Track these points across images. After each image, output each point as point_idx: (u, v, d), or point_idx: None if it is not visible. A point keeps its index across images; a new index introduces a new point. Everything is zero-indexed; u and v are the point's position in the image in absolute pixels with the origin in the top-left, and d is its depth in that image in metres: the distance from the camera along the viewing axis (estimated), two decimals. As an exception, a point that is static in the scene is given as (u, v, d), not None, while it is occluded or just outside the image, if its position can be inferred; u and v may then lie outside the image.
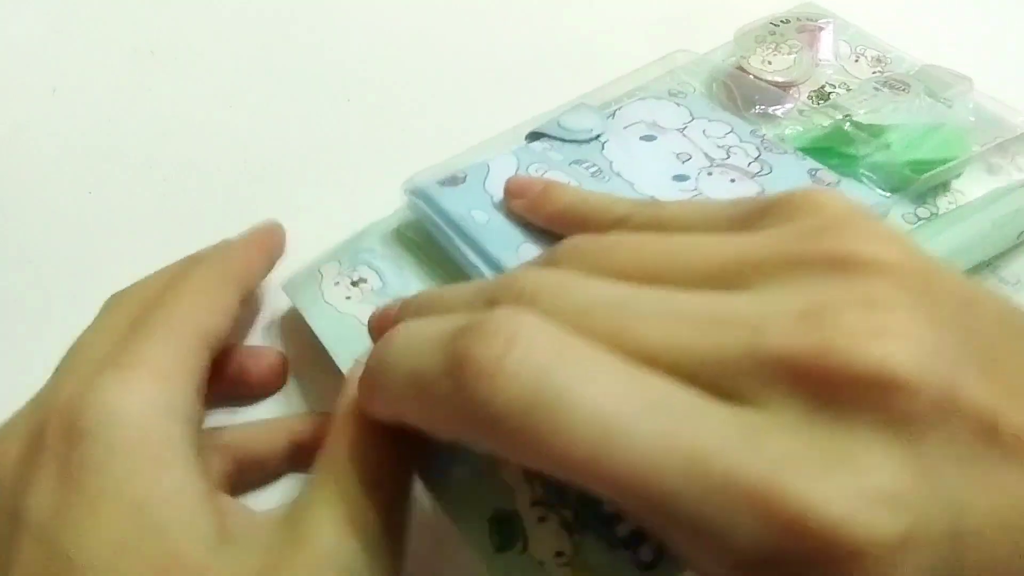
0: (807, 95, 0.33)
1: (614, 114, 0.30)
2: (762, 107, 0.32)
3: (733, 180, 0.27)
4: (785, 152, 0.28)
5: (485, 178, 0.27)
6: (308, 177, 0.35)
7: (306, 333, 0.26)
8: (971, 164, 0.29)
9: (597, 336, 0.15)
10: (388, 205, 0.28)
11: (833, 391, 0.13)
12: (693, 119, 0.29)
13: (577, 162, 0.28)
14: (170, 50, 0.40)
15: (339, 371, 0.24)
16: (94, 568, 0.17)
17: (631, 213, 0.21)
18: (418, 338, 0.17)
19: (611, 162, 0.28)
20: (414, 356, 0.17)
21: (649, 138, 0.29)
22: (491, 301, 0.17)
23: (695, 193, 0.27)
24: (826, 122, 0.31)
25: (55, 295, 0.30)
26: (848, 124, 0.30)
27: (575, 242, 0.19)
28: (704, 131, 0.29)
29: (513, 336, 0.15)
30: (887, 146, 0.30)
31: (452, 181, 0.27)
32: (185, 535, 0.18)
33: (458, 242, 0.26)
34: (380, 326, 0.22)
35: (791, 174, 0.27)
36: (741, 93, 0.33)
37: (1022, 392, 0.14)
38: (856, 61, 0.35)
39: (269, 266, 0.28)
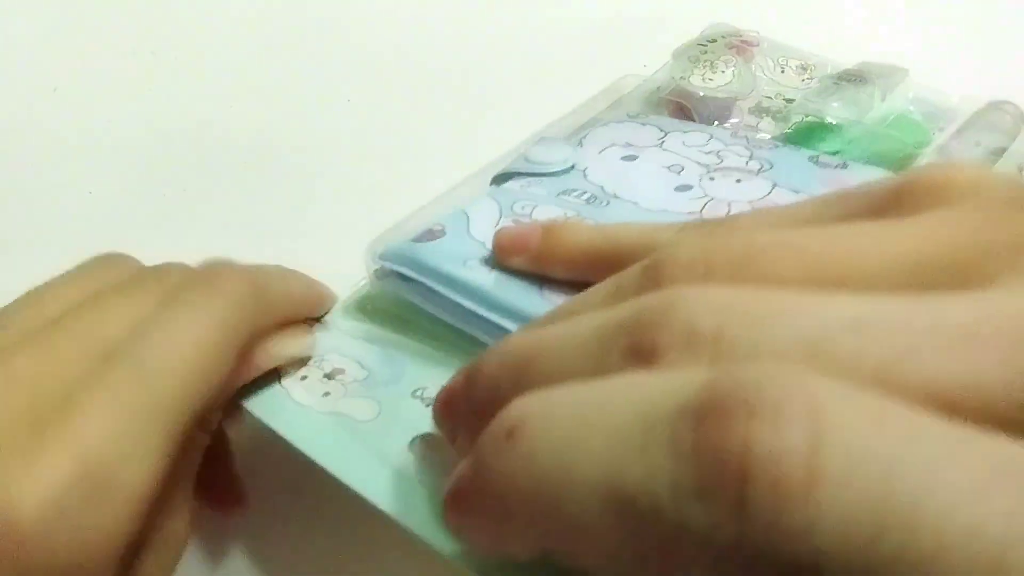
0: (747, 110, 0.32)
1: (581, 142, 0.27)
2: (716, 123, 0.31)
3: (739, 180, 0.24)
4: (776, 146, 0.26)
5: (467, 226, 0.23)
6: (313, 176, 0.34)
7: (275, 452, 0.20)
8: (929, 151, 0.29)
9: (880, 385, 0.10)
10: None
11: None
12: (666, 133, 0.27)
13: (565, 192, 0.24)
14: (171, 50, 0.40)
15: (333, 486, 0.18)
16: None
17: (684, 233, 0.17)
18: (596, 416, 0.11)
19: (601, 186, 0.24)
20: (601, 455, 0.10)
21: (630, 157, 0.26)
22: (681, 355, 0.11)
23: (706, 200, 0.23)
24: (785, 128, 0.30)
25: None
26: (809, 121, 0.29)
27: (679, 254, 0.14)
28: (683, 142, 0.26)
29: (812, 410, 0.09)
30: (851, 141, 0.29)
31: (429, 236, 0.23)
32: None
33: (458, 299, 0.21)
34: (451, 408, 0.16)
35: (795, 164, 0.25)
36: (693, 109, 0.31)
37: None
38: (783, 72, 0.34)
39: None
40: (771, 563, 0.09)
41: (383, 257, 0.23)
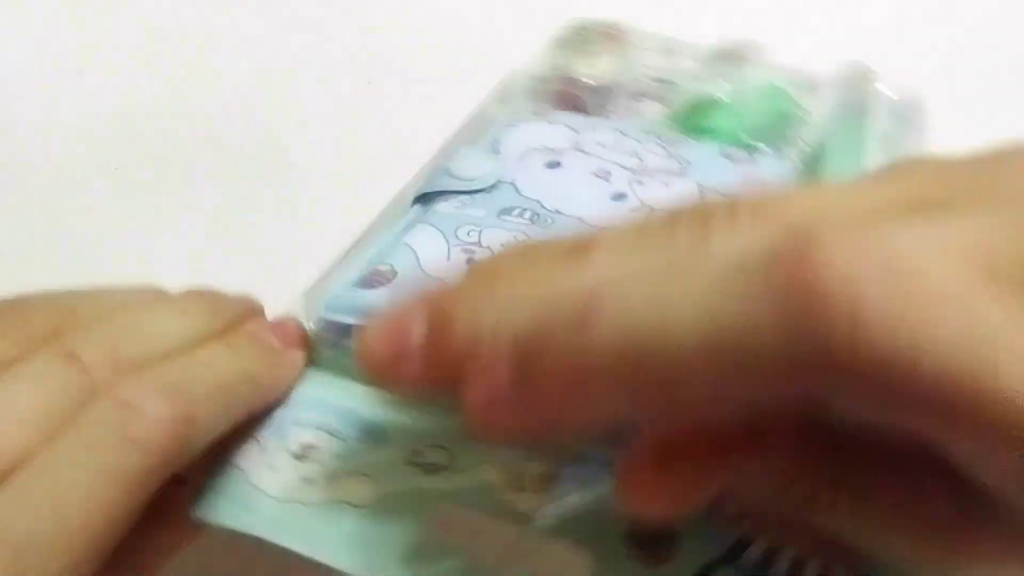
0: (625, 95, 0.33)
1: (497, 149, 0.26)
2: (604, 110, 0.31)
3: (667, 184, 0.24)
4: (683, 140, 0.27)
5: (417, 262, 0.21)
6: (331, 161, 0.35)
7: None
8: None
9: None
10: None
11: None
12: (579, 132, 0.26)
13: (505, 211, 0.23)
14: (196, 33, 0.40)
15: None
16: None
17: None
18: (675, 274, 0.12)
19: (539, 201, 0.24)
20: (695, 302, 0.12)
21: (554, 164, 0.25)
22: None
23: (643, 208, 0.24)
24: (672, 109, 0.30)
25: (85, 269, 0.26)
26: (696, 98, 0.30)
27: None
28: (599, 143, 0.26)
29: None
30: (739, 115, 0.30)
31: (377, 279, 0.21)
32: None
33: None
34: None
35: (710, 160, 0.25)
36: (579, 97, 0.31)
37: None
38: (651, 56, 0.35)
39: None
40: (865, 380, 0.10)
41: (330, 308, 0.20)
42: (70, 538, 0.14)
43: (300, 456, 0.19)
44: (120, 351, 0.17)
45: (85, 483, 0.15)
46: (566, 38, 0.33)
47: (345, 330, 0.20)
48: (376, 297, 0.20)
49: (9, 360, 0.16)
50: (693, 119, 0.30)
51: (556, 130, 0.27)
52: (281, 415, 0.19)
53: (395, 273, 0.21)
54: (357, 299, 0.20)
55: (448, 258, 0.21)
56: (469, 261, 0.21)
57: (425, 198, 0.24)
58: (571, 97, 0.31)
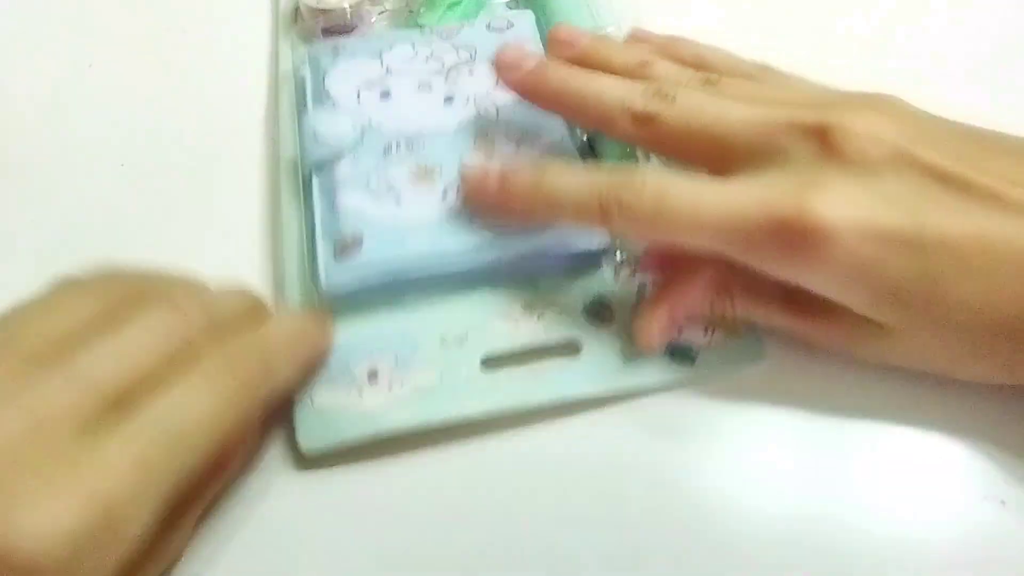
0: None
1: (334, 103, 0.31)
2: (333, 34, 0.36)
3: (471, 72, 0.32)
4: (454, 29, 0.34)
5: (366, 220, 0.28)
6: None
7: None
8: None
9: None
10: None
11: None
12: (381, 58, 0.33)
13: (387, 151, 0.30)
14: (202, 29, 0.40)
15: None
16: None
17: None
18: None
19: (399, 131, 0.31)
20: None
21: (385, 95, 0.32)
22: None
23: (471, 99, 0.31)
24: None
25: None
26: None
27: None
28: (401, 59, 0.33)
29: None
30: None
31: (350, 249, 0.28)
32: None
33: (437, 267, 0.28)
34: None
35: (483, 38, 0.33)
36: (320, 27, 0.36)
37: (967, 158, 0.22)
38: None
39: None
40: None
41: (331, 288, 0.27)
42: (201, 430, 0.20)
43: (372, 378, 0.27)
44: (209, 310, 0.24)
45: (207, 401, 0.21)
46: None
47: (353, 295, 0.28)
48: (357, 260, 0.27)
49: (118, 312, 0.22)
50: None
51: (365, 63, 0.33)
52: (335, 363, 0.27)
53: (359, 237, 0.28)
54: (344, 271, 0.27)
55: (380, 208, 0.29)
56: (397, 202, 0.29)
57: (317, 167, 0.30)
58: (335, 27, 0.36)
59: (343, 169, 0.30)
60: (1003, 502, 0.25)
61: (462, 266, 0.28)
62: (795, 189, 0.23)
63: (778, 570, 0.24)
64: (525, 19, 0.34)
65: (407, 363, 0.28)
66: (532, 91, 0.28)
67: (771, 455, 0.26)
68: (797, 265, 0.23)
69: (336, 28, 0.36)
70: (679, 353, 0.28)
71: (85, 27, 0.41)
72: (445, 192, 0.29)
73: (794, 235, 0.22)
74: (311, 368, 0.27)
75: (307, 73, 0.33)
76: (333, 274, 0.28)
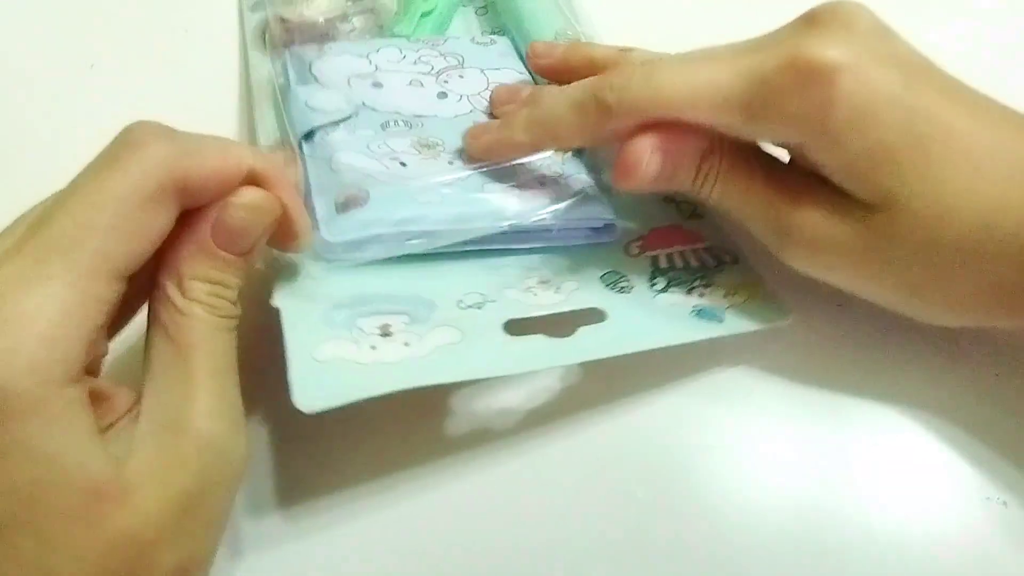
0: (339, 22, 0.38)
1: (325, 84, 0.30)
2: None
3: (461, 76, 0.32)
4: (440, 39, 0.34)
5: (368, 176, 0.26)
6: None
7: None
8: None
9: None
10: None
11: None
12: (368, 58, 0.32)
13: (384, 125, 0.29)
14: (204, 29, 0.40)
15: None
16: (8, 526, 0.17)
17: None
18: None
19: (397, 111, 0.29)
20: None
21: (377, 85, 0.31)
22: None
23: (463, 97, 0.31)
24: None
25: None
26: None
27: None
28: (389, 61, 0.32)
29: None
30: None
31: (354, 202, 0.25)
32: (81, 477, 0.18)
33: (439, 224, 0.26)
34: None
35: (471, 50, 0.34)
36: (301, 39, 0.35)
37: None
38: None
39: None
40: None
41: (342, 239, 0.25)
42: (101, 220, 0.19)
43: (385, 334, 0.24)
44: None
45: (108, 185, 0.19)
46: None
47: (358, 243, 0.25)
48: (361, 213, 0.25)
49: None
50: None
51: (353, 60, 0.32)
52: (338, 318, 0.24)
53: (364, 192, 0.25)
54: (349, 221, 0.25)
55: (386, 168, 0.27)
56: (401, 163, 0.27)
57: (309, 135, 0.28)
58: (317, 37, 0.36)
59: (339, 135, 0.28)
60: (1005, 503, 0.25)
61: (476, 231, 0.26)
62: (796, 41, 0.23)
63: (776, 569, 0.24)
64: (505, 40, 0.36)
65: (424, 320, 0.24)
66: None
67: (771, 451, 0.26)
68: (805, 104, 0.23)
69: (312, 42, 0.35)
70: (706, 313, 0.27)
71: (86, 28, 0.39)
72: (451, 162, 0.28)
73: (801, 73, 0.22)
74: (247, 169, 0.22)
75: (288, 64, 0.32)
76: (335, 227, 0.25)
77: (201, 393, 0.20)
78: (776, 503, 0.25)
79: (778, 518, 0.24)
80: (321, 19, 0.36)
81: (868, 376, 0.27)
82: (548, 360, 0.24)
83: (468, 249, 0.27)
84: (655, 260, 0.28)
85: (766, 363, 0.27)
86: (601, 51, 0.30)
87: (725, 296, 0.27)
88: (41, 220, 0.19)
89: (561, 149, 0.29)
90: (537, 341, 0.25)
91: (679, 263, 0.28)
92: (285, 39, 0.36)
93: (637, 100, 0.24)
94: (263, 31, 0.37)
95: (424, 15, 0.36)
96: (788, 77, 0.23)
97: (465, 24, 0.38)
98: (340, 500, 0.24)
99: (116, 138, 0.20)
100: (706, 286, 0.28)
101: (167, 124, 0.21)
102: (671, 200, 0.31)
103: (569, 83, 0.28)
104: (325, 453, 0.25)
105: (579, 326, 0.25)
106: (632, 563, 0.23)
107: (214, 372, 0.21)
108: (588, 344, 0.25)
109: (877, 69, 0.23)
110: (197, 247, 0.21)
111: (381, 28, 0.37)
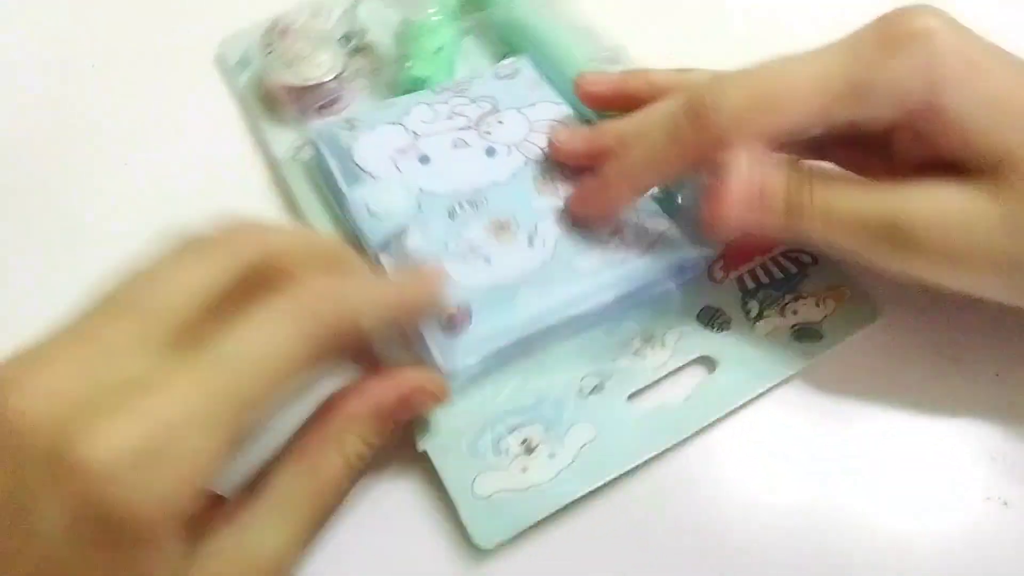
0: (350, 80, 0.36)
1: (373, 175, 0.29)
2: (324, 108, 0.34)
3: (501, 122, 0.31)
4: (466, 83, 0.33)
5: (482, 295, 0.26)
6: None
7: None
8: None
9: None
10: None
11: None
12: (403, 123, 0.31)
13: (451, 214, 0.28)
14: (203, 30, 0.39)
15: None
16: None
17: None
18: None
19: (455, 191, 0.29)
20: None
21: (424, 159, 0.30)
22: None
23: (511, 147, 0.30)
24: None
25: (94, 262, 0.25)
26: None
27: None
28: (423, 122, 0.31)
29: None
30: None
31: (460, 318, 0.26)
32: None
33: None
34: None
35: (498, 87, 0.32)
36: (302, 105, 0.34)
37: None
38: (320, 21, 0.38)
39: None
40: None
41: (459, 370, 0.25)
42: (264, 368, 0.19)
43: (529, 450, 0.25)
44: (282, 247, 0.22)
45: (276, 333, 0.20)
46: (260, 52, 0.35)
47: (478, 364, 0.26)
48: (471, 332, 0.26)
49: (186, 251, 0.21)
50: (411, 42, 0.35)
51: (389, 131, 0.31)
52: (488, 439, 0.25)
53: (466, 306, 0.26)
54: (462, 346, 0.25)
55: (473, 271, 0.27)
56: (487, 262, 0.27)
57: (382, 245, 0.28)
58: (324, 103, 0.34)
59: (414, 240, 0.28)
60: (1005, 503, 0.25)
61: (578, 311, 0.27)
62: (884, 20, 0.23)
63: (777, 568, 0.24)
64: (525, 63, 0.34)
65: (557, 423, 0.26)
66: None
67: (772, 451, 0.26)
68: (911, 65, 0.22)
69: (325, 103, 0.34)
70: (806, 333, 0.28)
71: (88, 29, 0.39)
72: (530, 240, 0.28)
73: (901, 39, 0.23)
74: (410, 316, 0.25)
75: (325, 152, 0.30)
76: (450, 353, 0.25)
77: (297, 543, 0.22)
78: (777, 502, 0.25)
79: (779, 517, 0.25)
80: (330, 80, 0.34)
81: (867, 376, 0.27)
82: (682, 432, 0.26)
83: (571, 329, 0.27)
84: (741, 282, 0.29)
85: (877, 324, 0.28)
86: (661, 75, 0.29)
87: (817, 306, 0.28)
88: (214, 344, 0.19)
89: (664, 186, 0.29)
90: (666, 415, 0.26)
91: (764, 279, 0.29)
92: (298, 106, 0.34)
93: (736, 106, 0.23)
94: (262, 96, 0.35)
95: (436, 52, 0.34)
96: (889, 46, 0.23)
97: (468, 50, 0.36)
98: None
99: (285, 281, 0.21)
100: (796, 299, 0.28)
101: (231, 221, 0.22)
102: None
103: (628, 112, 0.27)
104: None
105: (694, 379, 0.27)
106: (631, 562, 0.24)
107: (318, 524, 0.22)
108: (712, 402, 0.26)
109: (970, 33, 0.23)
110: (376, 413, 0.23)
111: (379, 71, 0.35)
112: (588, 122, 0.31)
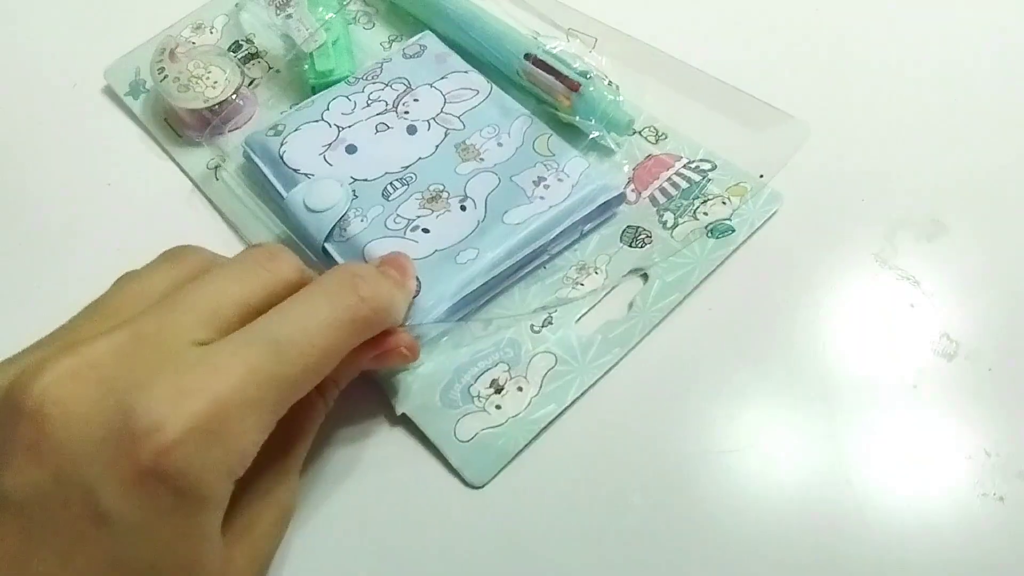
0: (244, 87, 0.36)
1: (306, 173, 0.31)
2: (231, 122, 0.35)
3: (417, 99, 0.33)
4: (374, 69, 0.34)
5: (425, 267, 0.28)
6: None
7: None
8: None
9: None
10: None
11: None
12: (324, 119, 0.32)
13: (385, 194, 0.30)
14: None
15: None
16: None
17: None
18: None
19: (386, 172, 0.31)
20: None
21: (352, 149, 0.32)
22: None
23: (431, 121, 0.32)
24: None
25: (75, 279, 0.29)
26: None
27: None
28: (343, 114, 0.33)
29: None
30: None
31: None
32: (217, 554, 0.21)
33: None
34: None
35: (407, 65, 0.34)
36: (209, 124, 0.35)
37: None
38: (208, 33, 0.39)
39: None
40: None
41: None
42: (312, 344, 0.21)
43: (498, 390, 0.28)
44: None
45: (324, 314, 0.22)
46: (150, 75, 0.35)
47: (431, 326, 0.28)
48: (419, 302, 0.28)
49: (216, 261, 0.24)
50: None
51: (313, 129, 0.32)
52: (452, 393, 0.28)
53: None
54: (414, 317, 0.28)
55: (416, 243, 0.29)
56: (424, 231, 0.29)
57: (326, 238, 0.29)
58: (236, 115, 0.35)
59: (354, 226, 0.29)
60: (1001, 499, 0.25)
61: (517, 259, 0.29)
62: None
63: (773, 564, 0.25)
64: (430, 38, 0.36)
65: (518, 361, 0.28)
66: None
67: (766, 446, 0.27)
68: None
69: (231, 118, 0.35)
70: (719, 229, 0.31)
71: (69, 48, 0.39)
72: (462, 205, 0.30)
73: None
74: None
75: (258, 162, 0.32)
76: (409, 315, 0.27)
77: (295, 473, 0.24)
78: (772, 496, 0.26)
79: (774, 512, 0.25)
80: (231, 95, 0.35)
81: (864, 370, 0.28)
82: (631, 340, 0.29)
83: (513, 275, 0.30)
84: (653, 199, 0.32)
85: (758, 355, 0.29)
86: None
87: (723, 204, 0.31)
88: (264, 328, 0.21)
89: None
90: (614, 328, 0.29)
91: (672, 191, 0.32)
92: (205, 126, 0.35)
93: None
94: (164, 119, 0.36)
95: (333, 44, 0.35)
96: None
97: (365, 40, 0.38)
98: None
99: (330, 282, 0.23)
100: (704, 202, 0.31)
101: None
102: (634, 132, 0.33)
103: None
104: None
105: (632, 292, 0.30)
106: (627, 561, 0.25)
107: (303, 454, 0.25)
108: (651, 308, 0.29)
109: None
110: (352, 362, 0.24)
111: (277, 74, 0.36)
112: (498, 84, 0.34)
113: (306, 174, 0.31)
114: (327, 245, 0.29)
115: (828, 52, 0.37)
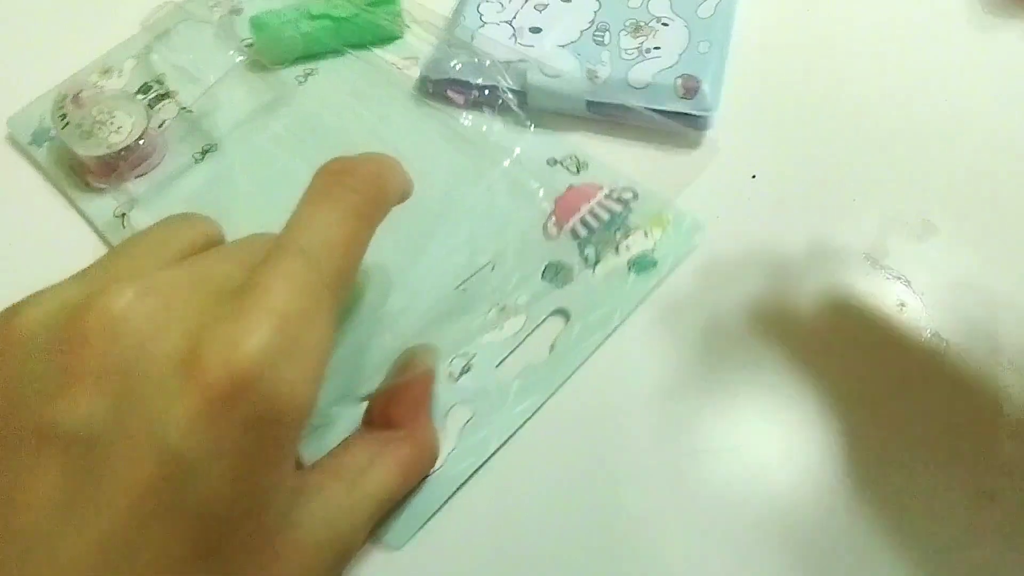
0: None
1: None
2: (137, 167, 0.34)
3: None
4: None
5: None
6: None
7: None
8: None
9: None
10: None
11: None
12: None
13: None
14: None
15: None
16: None
17: None
18: None
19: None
20: None
21: (535, 30, 0.35)
22: None
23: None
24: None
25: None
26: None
27: None
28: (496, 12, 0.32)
29: None
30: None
31: None
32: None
33: None
34: None
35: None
36: (114, 171, 0.33)
37: None
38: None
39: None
40: None
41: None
42: (333, 248, 0.21)
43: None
44: None
45: (334, 218, 0.22)
46: (54, 126, 0.34)
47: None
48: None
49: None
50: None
51: (488, 32, 0.35)
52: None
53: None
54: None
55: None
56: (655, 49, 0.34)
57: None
58: (144, 159, 0.34)
59: (602, 72, 0.33)
60: (991, 497, 0.25)
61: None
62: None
63: (761, 565, 0.25)
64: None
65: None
66: None
67: (755, 447, 0.27)
68: None
69: (137, 163, 0.34)
70: (641, 264, 0.30)
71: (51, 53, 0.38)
72: (663, 23, 0.35)
73: None
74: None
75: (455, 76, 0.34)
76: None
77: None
78: (761, 498, 0.26)
79: (763, 513, 0.25)
80: (140, 142, 0.34)
81: (857, 371, 0.28)
82: (552, 385, 0.28)
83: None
84: (574, 232, 0.31)
85: (749, 359, 0.28)
86: None
87: (646, 236, 0.31)
88: (290, 243, 0.21)
89: None
90: (534, 373, 0.28)
91: (594, 223, 0.31)
92: (110, 173, 0.34)
93: None
94: (69, 167, 0.34)
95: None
96: None
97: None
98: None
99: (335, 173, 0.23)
100: (626, 235, 0.31)
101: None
102: (554, 163, 0.33)
103: None
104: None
105: (553, 333, 0.29)
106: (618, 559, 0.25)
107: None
108: (572, 350, 0.28)
109: None
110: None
111: (191, 112, 0.35)
112: None
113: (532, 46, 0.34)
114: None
115: (821, 51, 0.37)
